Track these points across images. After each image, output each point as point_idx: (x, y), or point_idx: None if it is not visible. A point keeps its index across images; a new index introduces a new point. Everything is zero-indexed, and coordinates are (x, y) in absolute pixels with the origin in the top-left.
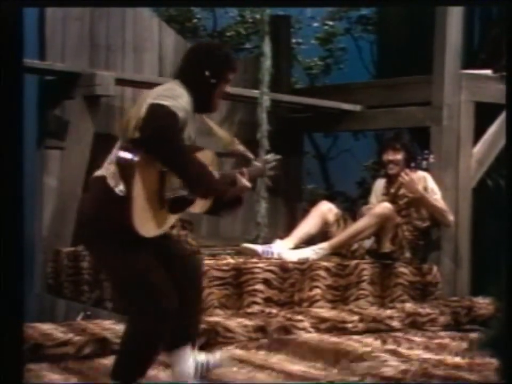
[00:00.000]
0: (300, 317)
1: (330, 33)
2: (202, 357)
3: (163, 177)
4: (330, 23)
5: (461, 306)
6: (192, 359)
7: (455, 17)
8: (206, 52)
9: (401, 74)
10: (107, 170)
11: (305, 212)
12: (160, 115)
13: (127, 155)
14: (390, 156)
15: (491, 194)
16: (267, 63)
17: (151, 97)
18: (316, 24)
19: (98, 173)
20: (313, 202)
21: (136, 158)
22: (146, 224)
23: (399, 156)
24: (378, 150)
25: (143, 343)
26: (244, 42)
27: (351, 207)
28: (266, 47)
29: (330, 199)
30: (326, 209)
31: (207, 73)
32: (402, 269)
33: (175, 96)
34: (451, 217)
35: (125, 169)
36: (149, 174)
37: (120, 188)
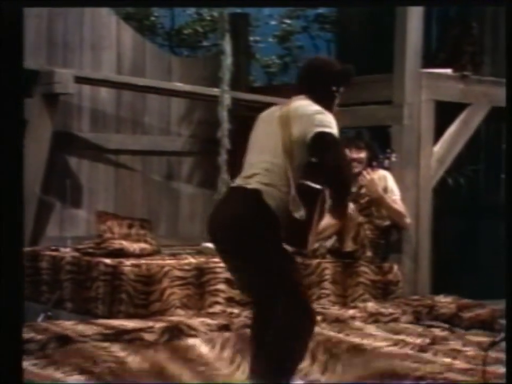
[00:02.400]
0: None
1: (288, 31)
2: None
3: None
4: (288, 21)
5: (422, 305)
6: None
7: (415, 16)
8: (333, 69)
9: (360, 73)
10: (261, 185)
11: None
12: (337, 144)
13: (315, 185)
14: (353, 154)
15: (451, 193)
16: (227, 61)
17: (309, 122)
18: (273, 23)
19: (249, 185)
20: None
21: (321, 187)
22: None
23: (362, 155)
24: None
25: (301, 341)
26: (202, 40)
27: None
28: (227, 45)
29: None
30: None
31: (334, 88)
32: (363, 268)
33: (332, 121)
34: (408, 220)
35: (309, 196)
36: (322, 197)
37: (300, 213)
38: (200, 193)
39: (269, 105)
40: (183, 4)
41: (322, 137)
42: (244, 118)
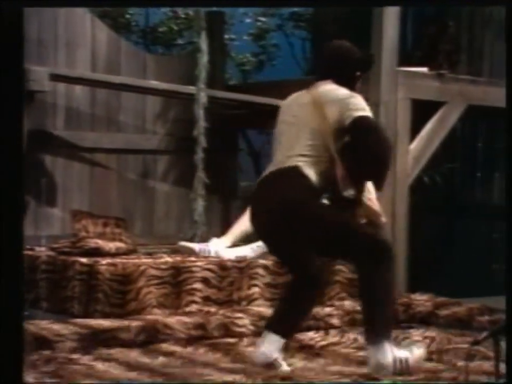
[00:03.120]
0: (239, 315)
1: (263, 29)
2: (402, 353)
3: None
4: (263, 19)
5: (399, 303)
6: (391, 353)
7: (391, 15)
8: (356, 54)
9: None
10: (300, 162)
11: (240, 210)
12: (376, 127)
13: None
14: None
15: (427, 192)
16: (204, 59)
17: (345, 106)
18: (248, 20)
19: (291, 163)
20: (247, 200)
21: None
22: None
23: None
24: None
25: (390, 289)
26: (176, 38)
27: None
28: (203, 43)
29: None
30: None
31: (357, 73)
32: (340, 266)
33: (365, 103)
34: (383, 219)
35: (357, 177)
36: None
37: (349, 192)
38: (175, 191)
39: (244, 103)
40: (186, 4)
41: (362, 120)
42: (220, 116)
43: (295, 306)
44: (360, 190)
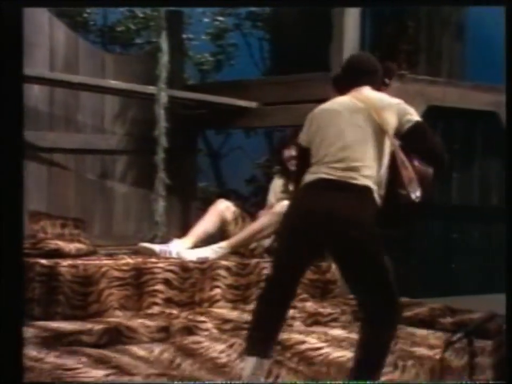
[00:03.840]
0: (202, 318)
1: (221, 29)
2: None
3: None
4: (221, 18)
5: None
6: None
7: (352, 15)
8: (382, 64)
9: (294, 71)
10: (373, 180)
11: (199, 211)
12: (433, 131)
13: (429, 171)
14: (292, 152)
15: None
16: (164, 58)
17: (402, 112)
18: (206, 20)
19: (363, 182)
20: (205, 201)
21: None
22: None
23: None
24: (278, 146)
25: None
26: (134, 38)
27: (243, 205)
28: (163, 43)
29: (223, 197)
30: (223, 208)
31: (386, 81)
32: None
33: None
34: None
35: (424, 179)
36: None
37: (417, 194)
38: (134, 192)
39: (203, 103)
40: (186, 3)
41: (422, 125)
42: (179, 117)
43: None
44: (428, 190)
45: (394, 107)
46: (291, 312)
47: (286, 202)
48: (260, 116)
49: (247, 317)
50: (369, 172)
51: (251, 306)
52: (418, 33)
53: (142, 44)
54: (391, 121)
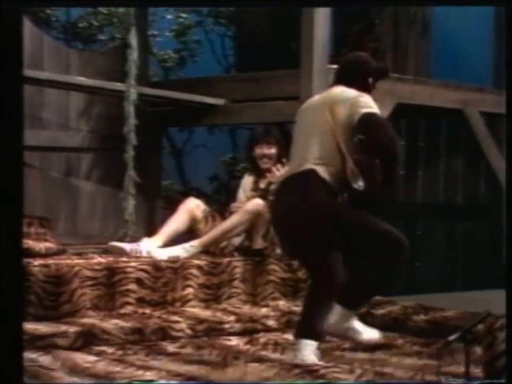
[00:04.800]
0: (176, 318)
1: (184, 25)
2: None
3: None
4: (184, 15)
5: None
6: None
7: (322, 12)
8: (369, 64)
9: (260, 68)
10: (315, 165)
11: (163, 209)
12: (383, 122)
13: (371, 161)
14: (264, 150)
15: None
16: (134, 55)
17: (355, 104)
18: (169, 16)
19: (306, 167)
20: (168, 199)
21: (377, 161)
22: None
23: (273, 151)
24: (249, 144)
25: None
26: (97, 34)
27: (207, 202)
28: (133, 39)
29: (186, 195)
30: (193, 206)
31: (370, 80)
32: (273, 266)
33: (372, 101)
34: None
35: (366, 169)
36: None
37: (359, 184)
38: (100, 190)
39: (170, 100)
40: (186, 3)
41: (369, 116)
42: (144, 114)
43: (320, 307)
44: (372, 180)
45: (349, 101)
46: (264, 311)
47: (257, 200)
48: (227, 113)
49: (222, 316)
50: (318, 160)
51: (223, 305)
52: (384, 31)
53: (106, 40)
54: (342, 114)
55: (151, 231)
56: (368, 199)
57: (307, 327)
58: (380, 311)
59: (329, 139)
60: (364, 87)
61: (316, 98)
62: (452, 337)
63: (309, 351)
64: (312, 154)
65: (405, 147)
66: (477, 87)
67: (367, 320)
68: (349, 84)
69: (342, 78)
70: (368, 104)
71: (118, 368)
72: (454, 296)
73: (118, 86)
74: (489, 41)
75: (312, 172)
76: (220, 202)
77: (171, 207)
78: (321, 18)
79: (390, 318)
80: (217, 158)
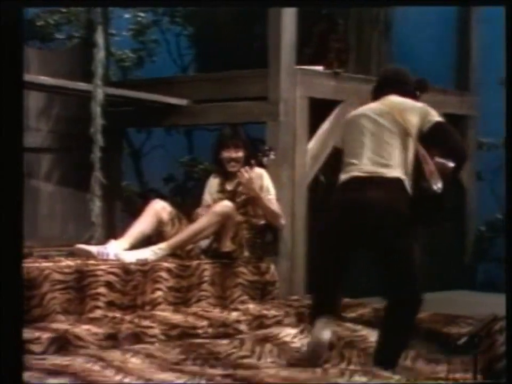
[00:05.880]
0: (149, 323)
1: (142, 25)
2: None
3: None
4: (142, 14)
5: (304, 306)
6: None
7: (289, 12)
8: (413, 77)
9: (222, 68)
10: (402, 173)
11: (123, 211)
12: (454, 129)
13: (448, 164)
14: (232, 153)
15: (324, 191)
16: (100, 54)
17: (425, 113)
18: (127, 16)
19: (394, 174)
20: (126, 200)
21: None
22: None
23: (240, 154)
24: (216, 147)
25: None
26: (54, 33)
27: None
28: (99, 38)
29: (143, 196)
30: (159, 208)
31: (417, 93)
32: (241, 269)
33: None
34: (282, 221)
35: (444, 171)
36: None
37: (438, 185)
38: (59, 191)
39: (132, 100)
40: (185, 3)
41: (443, 124)
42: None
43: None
44: (448, 182)
45: (416, 109)
46: (235, 315)
47: (226, 202)
48: (192, 114)
49: (194, 321)
50: (397, 167)
51: (193, 309)
52: (347, 31)
53: (63, 39)
54: (413, 121)
55: (113, 233)
56: (441, 200)
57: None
58: (351, 314)
59: (408, 144)
60: (414, 98)
61: (374, 106)
62: (460, 342)
63: None
64: (395, 161)
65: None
66: (441, 88)
67: (307, 321)
68: (402, 94)
69: (393, 88)
70: (436, 113)
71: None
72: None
73: (83, 86)
74: (451, 43)
75: (400, 182)
76: (179, 204)
77: (129, 209)
78: (289, 18)
79: (362, 321)
80: (176, 159)
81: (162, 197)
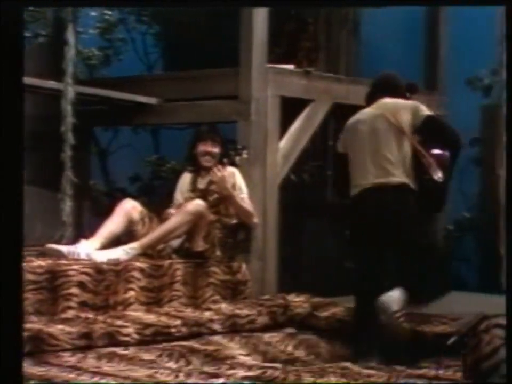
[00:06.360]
0: (122, 322)
1: (109, 23)
2: None
3: None
4: (109, 12)
5: (276, 305)
6: None
7: (261, 11)
8: (403, 81)
9: (190, 67)
10: (404, 175)
11: (91, 210)
12: (445, 120)
13: (444, 154)
14: (208, 147)
15: (296, 191)
16: (71, 52)
17: (416, 109)
18: (94, 14)
19: (398, 180)
20: (93, 199)
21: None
22: None
23: (216, 149)
24: (193, 140)
25: None
26: None
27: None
28: (70, 36)
29: (110, 195)
30: (130, 207)
31: (407, 94)
32: (213, 268)
33: None
34: (255, 220)
35: (441, 162)
36: None
37: (439, 175)
38: (28, 190)
39: (100, 98)
40: (184, 3)
41: (433, 117)
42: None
43: None
44: (450, 171)
45: (407, 107)
46: (208, 314)
47: (198, 201)
48: (161, 113)
49: (167, 320)
50: (400, 168)
51: (165, 309)
52: (317, 30)
53: (30, 37)
54: (406, 119)
55: (80, 232)
56: (442, 188)
57: None
58: (324, 314)
59: (404, 141)
60: (405, 99)
61: (368, 110)
62: (450, 341)
63: None
64: (397, 163)
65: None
66: None
67: (312, 322)
68: (394, 96)
69: (386, 91)
70: (426, 108)
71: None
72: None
73: (54, 84)
74: (420, 43)
75: (405, 185)
76: (145, 203)
77: (96, 208)
78: (260, 17)
79: (335, 320)
80: (143, 158)
81: (129, 196)
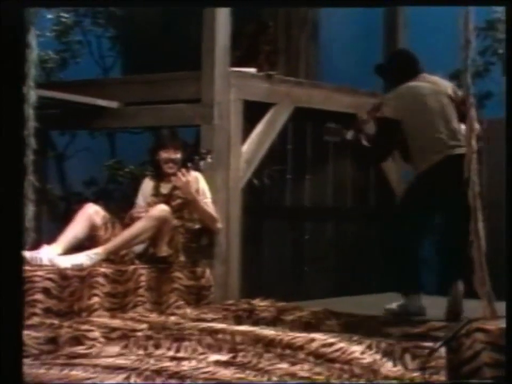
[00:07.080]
0: (88, 327)
1: (66, 25)
2: None
3: None
4: (66, 15)
5: (242, 309)
6: None
7: (223, 14)
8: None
9: (145, 70)
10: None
11: (48, 215)
12: None
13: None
14: (171, 154)
15: (257, 194)
16: (33, 55)
17: (455, 88)
18: (50, 16)
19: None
20: (49, 204)
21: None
22: None
23: (179, 155)
24: (155, 147)
25: None
26: None
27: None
28: (32, 39)
29: (66, 199)
30: (92, 212)
31: None
32: (177, 274)
33: None
34: (219, 225)
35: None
36: None
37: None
38: None
39: (57, 102)
40: (188, 3)
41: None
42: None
43: None
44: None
45: (451, 85)
46: (173, 319)
47: (162, 206)
48: (122, 117)
49: (133, 324)
50: (461, 138)
51: (130, 314)
52: (276, 33)
53: None
54: (454, 97)
55: (40, 238)
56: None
57: None
58: (290, 317)
59: (454, 117)
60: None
61: (427, 85)
62: (436, 346)
63: None
64: (460, 133)
65: (292, 151)
66: (370, 91)
67: (277, 325)
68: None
69: (420, 68)
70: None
71: None
72: (344, 300)
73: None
74: (378, 46)
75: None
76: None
77: (52, 213)
78: (222, 19)
79: (302, 323)
80: (100, 162)
81: (85, 201)
